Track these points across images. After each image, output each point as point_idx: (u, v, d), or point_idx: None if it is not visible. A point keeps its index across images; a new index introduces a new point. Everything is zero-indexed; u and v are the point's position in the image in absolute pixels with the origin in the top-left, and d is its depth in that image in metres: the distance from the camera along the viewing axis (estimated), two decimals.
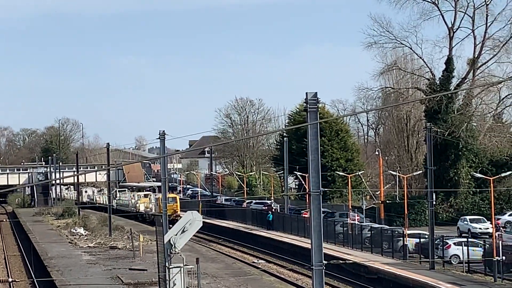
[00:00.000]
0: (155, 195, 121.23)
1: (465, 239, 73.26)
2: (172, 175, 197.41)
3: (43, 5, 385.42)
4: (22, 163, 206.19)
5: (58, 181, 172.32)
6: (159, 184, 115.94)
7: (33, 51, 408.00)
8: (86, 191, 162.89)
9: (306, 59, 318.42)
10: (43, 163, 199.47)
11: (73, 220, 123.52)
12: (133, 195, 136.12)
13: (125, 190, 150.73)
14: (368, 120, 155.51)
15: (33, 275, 74.07)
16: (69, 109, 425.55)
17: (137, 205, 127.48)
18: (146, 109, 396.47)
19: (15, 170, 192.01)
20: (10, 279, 72.41)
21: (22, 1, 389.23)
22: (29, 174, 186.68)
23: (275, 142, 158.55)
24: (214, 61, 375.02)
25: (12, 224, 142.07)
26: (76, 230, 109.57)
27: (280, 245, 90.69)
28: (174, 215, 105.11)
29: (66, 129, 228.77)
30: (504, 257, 60.30)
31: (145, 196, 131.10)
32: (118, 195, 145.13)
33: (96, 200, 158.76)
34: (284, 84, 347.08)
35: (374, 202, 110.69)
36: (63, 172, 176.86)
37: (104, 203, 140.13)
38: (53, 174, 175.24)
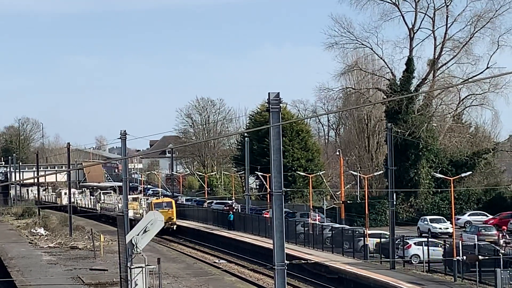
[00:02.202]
0: (146, 199, 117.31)
1: (425, 239, 73.58)
2: (133, 175, 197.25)
3: None
4: None
5: (18, 181, 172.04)
6: (120, 184, 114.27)
7: None
8: (65, 193, 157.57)
9: (267, 59, 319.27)
10: (3, 163, 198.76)
11: (33, 220, 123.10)
12: (121, 198, 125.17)
13: (110, 193, 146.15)
14: (328, 121, 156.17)
15: None
16: (29, 109, 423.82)
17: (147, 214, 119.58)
18: (107, 109, 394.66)
19: None
20: None
21: None
22: None
23: (236, 142, 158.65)
24: (174, 61, 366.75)
25: None
26: (36, 230, 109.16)
27: (241, 245, 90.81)
28: (169, 222, 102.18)
29: (26, 128, 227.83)
30: (464, 257, 60.89)
31: (134, 199, 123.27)
32: (102, 197, 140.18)
33: (77, 202, 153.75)
34: (244, 84, 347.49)
35: (335, 202, 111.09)
36: (23, 172, 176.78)
37: (87, 205, 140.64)
38: (13, 174, 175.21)
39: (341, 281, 65.96)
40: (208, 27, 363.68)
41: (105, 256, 74.57)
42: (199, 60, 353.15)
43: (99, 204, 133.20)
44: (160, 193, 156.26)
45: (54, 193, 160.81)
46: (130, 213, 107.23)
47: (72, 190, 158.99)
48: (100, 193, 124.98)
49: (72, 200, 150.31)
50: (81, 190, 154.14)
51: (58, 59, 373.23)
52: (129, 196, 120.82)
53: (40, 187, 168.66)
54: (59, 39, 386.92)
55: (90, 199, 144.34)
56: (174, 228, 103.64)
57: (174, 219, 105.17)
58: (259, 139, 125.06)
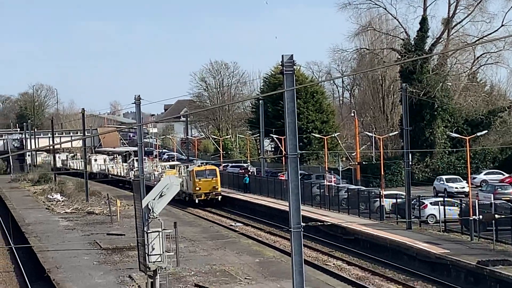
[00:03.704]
0: (186, 166, 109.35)
1: (441, 199, 73.38)
2: (148, 140, 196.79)
3: None
4: None
5: (34, 149, 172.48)
6: (135, 148, 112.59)
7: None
8: (96, 160, 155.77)
9: (280, 21, 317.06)
10: (18, 129, 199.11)
11: (50, 186, 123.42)
12: (157, 166, 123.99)
13: (145, 160, 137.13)
14: (343, 82, 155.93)
15: (11, 242, 74.15)
16: (43, 76, 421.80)
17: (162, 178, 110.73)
18: (121, 75, 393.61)
19: None
20: None
21: None
22: (4, 141, 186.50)
23: (250, 105, 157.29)
24: (187, 25, 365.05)
25: None
26: (52, 196, 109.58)
27: (257, 208, 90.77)
28: (214, 193, 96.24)
29: (41, 95, 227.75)
30: (480, 216, 60.88)
31: (172, 167, 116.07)
32: (136, 165, 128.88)
33: (108, 169, 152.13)
34: (258, 47, 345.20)
35: (350, 163, 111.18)
36: (38, 138, 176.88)
37: (119, 173, 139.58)
38: (28, 141, 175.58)
39: (358, 242, 66.01)
40: None
41: (122, 221, 74.95)
42: (212, 23, 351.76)
43: (133, 172, 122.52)
44: (175, 157, 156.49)
45: (82, 160, 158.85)
46: (177, 183, 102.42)
47: (103, 156, 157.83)
48: (133, 159, 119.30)
49: (103, 167, 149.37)
50: (112, 157, 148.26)
51: (72, 25, 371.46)
52: (166, 164, 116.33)
53: (68, 153, 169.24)
54: (73, 5, 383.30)
55: (123, 166, 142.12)
56: (219, 199, 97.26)
57: (219, 189, 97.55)
58: (273, 102, 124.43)
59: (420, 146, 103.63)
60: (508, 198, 76.23)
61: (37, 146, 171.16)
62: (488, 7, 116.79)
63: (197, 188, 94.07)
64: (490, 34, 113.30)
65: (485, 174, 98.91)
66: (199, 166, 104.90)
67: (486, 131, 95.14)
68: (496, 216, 58.74)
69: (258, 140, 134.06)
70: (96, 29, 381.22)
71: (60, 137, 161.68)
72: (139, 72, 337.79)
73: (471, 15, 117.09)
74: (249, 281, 49.37)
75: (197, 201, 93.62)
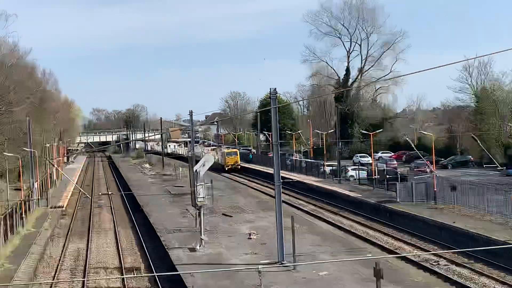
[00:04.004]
0: (221, 149, 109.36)
1: (357, 167, 74.32)
2: (196, 134, 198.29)
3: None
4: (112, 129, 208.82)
5: (133, 140, 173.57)
6: (189, 139, 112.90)
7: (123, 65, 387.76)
8: (169, 145, 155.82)
9: (268, 69, 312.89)
10: (125, 129, 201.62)
11: (142, 160, 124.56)
12: (204, 150, 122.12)
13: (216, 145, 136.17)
14: (303, 102, 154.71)
15: (121, 190, 74.90)
16: (138, 98, 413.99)
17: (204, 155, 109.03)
18: (181, 97, 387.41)
19: (111, 133, 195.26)
20: (110, 193, 73.20)
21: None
22: (118, 135, 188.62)
23: (252, 116, 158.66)
24: (217, 72, 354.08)
25: (109, 163, 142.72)
26: (144, 166, 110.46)
27: (257, 172, 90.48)
28: (236, 164, 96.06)
29: (137, 109, 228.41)
30: (378, 176, 61.43)
31: (213, 150, 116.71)
32: (200, 149, 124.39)
33: (175, 151, 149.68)
34: (256, 83, 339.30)
35: (307, 148, 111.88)
36: (136, 134, 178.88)
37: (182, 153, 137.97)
38: (131, 135, 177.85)
39: (311, 190, 66.28)
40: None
41: (183, 180, 75.30)
42: (231, 70, 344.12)
43: (190, 152, 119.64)
44: (211, 144, 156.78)
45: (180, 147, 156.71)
46: (213, 159, 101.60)
47: (173, 144, 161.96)
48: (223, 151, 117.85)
49: (173, 150, 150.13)
50: (178, 144, 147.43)
51: (154, 71, 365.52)
52: (209, 148, 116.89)
53: (154, 142, 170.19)
54: (153, 57, 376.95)
55: (184, 149, 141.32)
56: (239, 167, 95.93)
57: (239, 162, 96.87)
58: (265, 113, 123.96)
59: (345, 138, 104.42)
60: (394, 167, 77.07)
61: (135, 138, 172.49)
62: (383, 62, 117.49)
63: (227, 162, 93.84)
64: (383, 76, 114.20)
65: (380, 153, 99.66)
66: (228, 149, 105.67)
67: (381, 129, 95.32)
68: (387, 176, 59.26)
69: (256, 135, 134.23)
70: (166, 74, 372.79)
71: (149, 133, 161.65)
72: (192, 95, 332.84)
73: (373, 66, 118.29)
74: (252, 212, 49.89)
75: (226, 169, 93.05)
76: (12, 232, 41.69)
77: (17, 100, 71.20)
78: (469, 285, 28.14)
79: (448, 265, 32.47)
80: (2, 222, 38.38)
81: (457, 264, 32.41)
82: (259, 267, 22.65)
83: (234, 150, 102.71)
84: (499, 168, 79.96)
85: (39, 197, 59.53)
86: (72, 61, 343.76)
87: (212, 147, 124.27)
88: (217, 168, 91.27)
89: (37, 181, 61.58)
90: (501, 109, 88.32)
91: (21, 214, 46.53)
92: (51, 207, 57.96)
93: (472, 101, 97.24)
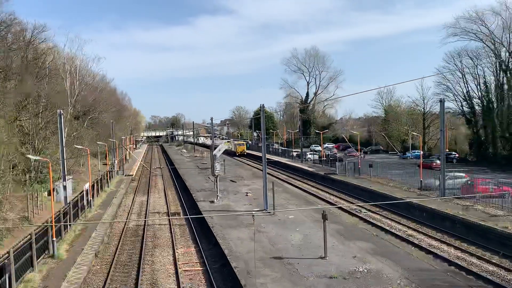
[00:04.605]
0: (234, 141, 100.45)
1: (312, 152, 73.91)
2: (215, 132, 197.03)
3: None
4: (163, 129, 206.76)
5: (176, 135, 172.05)
6: (210, 135, 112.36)
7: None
8: (200, 139, 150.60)
9: (262, 93, 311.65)
10: (171, 128, 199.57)
11: (181, 147, 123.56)
12: (221, 142, 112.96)
13: (227, 139, 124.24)
14: (280, 114, 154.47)
15: (168, 165, 74.35)
16: (178, 109, 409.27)
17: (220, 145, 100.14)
18: (205, 109, 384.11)
19: (162, 130, 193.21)
20: (161, 166, 72.79)
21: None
22: (167, 131, 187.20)
23: (249, 121, 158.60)
24: (226, 96, 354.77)
25: (161, 148, 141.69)
26: (182, 150, 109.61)
27: (251, 155, 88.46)
28: (243, 151, 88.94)
29: (178, 116, 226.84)
30: (325, 158, 61.18)
31: (228, 142, 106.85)
32: (219, 141, 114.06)
33: (203, 142, 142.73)
34: (251, 100, 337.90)
35: (282, 140, 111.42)
36: (178, 131, 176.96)
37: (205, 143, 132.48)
38: (175, 131, 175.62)
39: (284, 166, 65.68)
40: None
41: (206, 159, 75.03)
42: (237, 93, 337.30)
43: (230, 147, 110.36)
44: (223, 138, 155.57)
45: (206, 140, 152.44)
46: (226, 147, 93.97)
47: (202, 137, 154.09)
48: (234, 142, 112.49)
49: (202, 141, 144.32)
50: (228, 140, 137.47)
51: (190, 93, 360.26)
52: (225, 140, 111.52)
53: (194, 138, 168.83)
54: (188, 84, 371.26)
55: (208, 141, 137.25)
56: (245, 153, 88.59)
57: (245, 150, 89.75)
58: (257, 119, 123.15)
59: (306, 134, 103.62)
60: (334, 152, 76.59)
61: (177, 134, 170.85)
62: (329, 88, 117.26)
63: (237, 149, 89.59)
64: (329, 98, 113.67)
65: (327, 144, 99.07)
66: (238, 141, 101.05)
67: (327, 130, 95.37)
68: (331, 158, 59.09)
69: (251, 132, 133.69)
70: (198, 94, 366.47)
71: (184, 131, 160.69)
72: (213, 108, 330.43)
73: (323, 91, 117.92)
74: (249, 179, 49.64)
75: (237, 154, 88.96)
76: (101, 190, 41.61)
77: (105, 110, 71.30)
78: (379, 224, 28.29)
79: (366, 212, 32.61)
80: (95, 184, 38.27)
81: (372, 212, 32.53)
82: (253, 213, 22.67)
83: (242, 142, 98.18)
84: (398, 154, 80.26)
85: (118, 169, 59.30)
86: (140, 85, 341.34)
87: (227, 140, 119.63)
88: (230, 153, 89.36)
89: (117, 159, 61.30)
90: (399, 118, 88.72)
91: (107, 179, 46.40)
92: (125, 175, 57.76)
93: (383, 113, 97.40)
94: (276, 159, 72.70)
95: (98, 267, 21.13)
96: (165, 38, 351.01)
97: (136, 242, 25.86)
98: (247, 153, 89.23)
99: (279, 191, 38.90)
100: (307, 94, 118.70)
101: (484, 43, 62.78)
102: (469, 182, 33.30)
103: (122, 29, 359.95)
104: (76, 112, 59.44)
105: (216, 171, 36.01)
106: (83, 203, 31.29)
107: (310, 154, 71.56)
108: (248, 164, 72.13)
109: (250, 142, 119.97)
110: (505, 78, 61.34)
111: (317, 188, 44.82)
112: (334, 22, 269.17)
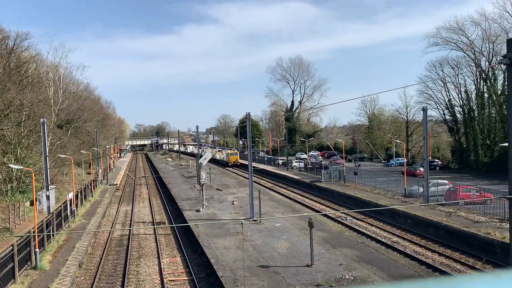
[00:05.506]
0: (226, 150, 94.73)
1: (298, 160, 73.98)
2: (200, 140, 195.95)
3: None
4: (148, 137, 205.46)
5: (161, 144, 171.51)
6: (195, 143, 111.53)
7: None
8: (189, 147, 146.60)
9: (247, 101, 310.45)
10: (156, 136, 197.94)
11: (166, 156, 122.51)
12: (214, 150, 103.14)
13: (218, 149, 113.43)
14: (265, 122, 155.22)
15: (153, 174, 73.70)
16: (163, 118, 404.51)
17: (216, 155, 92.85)
18: (190, 119, 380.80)
19: (147, 139, 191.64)
20: (145, 175, 72.09)
21: None
22: (151, 140, 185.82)
23: (235, 129, 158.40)
24: (214, 104, 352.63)
25: (145, 157, 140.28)
26: (167, 159, 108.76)
27: (237, 164, 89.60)
28: (236, 161, 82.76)
29: (163, 125, 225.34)
30: (310, 165, 61.43)
31: (219, 151, 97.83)
32: (212, 150, 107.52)
33: (188, 150, 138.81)
34: (236, 109, 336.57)
35: (268, 148, 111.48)
36: (163, 139, 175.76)
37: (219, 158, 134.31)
38: (159, 140, 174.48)
39: (270, 174, 65.79)
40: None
41: (192, 167, 74.67)
42: (222, 102, 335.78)
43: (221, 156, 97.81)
44: (207, 147, 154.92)
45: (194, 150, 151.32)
46: (218, 156, 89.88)
47: (189, 146, 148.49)
48: (227, 152, 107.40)
49: (187, 149, 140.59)
50: (219, 149, 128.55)
51: (175, 101, 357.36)
52: (217, 149, 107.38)
53: (173, 145, 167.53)
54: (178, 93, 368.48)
55: (193, 149, 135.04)
56: (239, 164, 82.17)
57: (238, 160, 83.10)
58: (243, 127, 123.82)
59: (291, 142, 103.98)
60: (320, 161, 76.95)
61: (162, 142, 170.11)
62: (314, 96, 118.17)
63: (230, 159, 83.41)
64: (313, 106, 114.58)
65: (312, 152, 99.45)
66: (231, 150, 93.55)
67: (312, 138, 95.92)
68: (316, 166, 59.30)
69: (237, 140, 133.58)
70: (182, 102, 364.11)
71: (170, 139, 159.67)
72: (198, 116, 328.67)
73: (308, 100, 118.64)
74: (234, 187, 49.51)
75: (230, 165, 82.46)
76: (85, 199, 41.01)
77: (89, 119, 70.50)
78: (364, 232, 28.45)
79: (352, 219, 32.79)
80: (79, 193, 37.70)
81: (358, 219, 32.74)
82: (242, 220, 22.58)
83: (235, 151, 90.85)
84: (382, 162, 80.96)
85: (102, 179, 58.58)
86: (125, 94, 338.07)
87: (218, 149, 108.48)
88: (223, 163, 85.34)
89: (101, 168, 60.58)
90: (383, 126, 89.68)
91: (91, 189, 45.78)
92: (109, 184, 57.06)
93: (366, 121, 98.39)
94: (262, 167, 72.34)
95: (82, 278, 20.77)
96: (150, 47, 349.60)
97: (121, 252, 25.51)
98: (239, 163, 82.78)
99: (265, 199, 38.83)
100: (292, 102, 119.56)
101: (465, 53, 64.21)
102: (452, 189, 33.79)
103: (106, 38, 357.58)
104: (60, 120, 58.64)
105: (202, 180, 35.84)
106: (67, 213, 30.78)
107: (295, 162, 71.42)
108: (234, 173, 71.49)
109: (235, 150, 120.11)
110: (485, 87, 62.70)
111: (303, 196, 44.84)
112: (318, 32, 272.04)
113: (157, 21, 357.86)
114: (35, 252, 20.97)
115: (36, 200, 32.32)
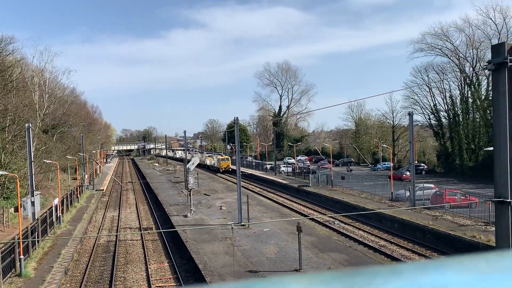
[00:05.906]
0: (216, 156, 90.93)
1: (286, 164, 74.16)
2: (188, 145, 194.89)
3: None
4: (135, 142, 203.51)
5: (148, 149, 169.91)
6: (183, 148, 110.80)
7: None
8: (178, 153, 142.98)
9: (235, 106, 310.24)
10: (142, 141, 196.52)
11: (154, 161, 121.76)
12: (203, 156, 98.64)
13: (212, 156, 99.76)
14: (253, 127, 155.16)
15: (140, 179, 73.15)
16: (151, 123, 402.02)
17: (206, 161, 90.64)
18: (177, 123, 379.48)
19: (133, 144, 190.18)
20: (132, 181, 71.50)
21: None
22: (138, 145, 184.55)
23: (222, 134, 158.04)
24: (205, 110, 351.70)
25: (132, 162, 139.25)
26: (154, 164, 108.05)
27: (224, 169, 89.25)
28: (228, 167, 79.96)
29: (150, 130, 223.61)
30: (298, 170, 61.56)
31: (209, 156, 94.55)
32: (202, 155, 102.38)
33: (176, 155, 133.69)
34: (224, 114, 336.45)
35: (256, 153, 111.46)
36: (150, 144, 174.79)
37: (210, 163, 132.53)
38: (146, 145, 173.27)
39: (258, 179, 65.70)
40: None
41: (179, 172, 74.21)
42: (213, 107, 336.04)
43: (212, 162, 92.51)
44: (197, 152, 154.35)
45: (184, 155, 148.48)
46: (208, 162, 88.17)
47: (177, 151, 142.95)
48: (203, 153, 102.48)
49: (174, 155, 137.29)
50: (210, 155, 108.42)
51: (162, 105, 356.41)
52: (207, 154, 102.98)
53: (161, 150, 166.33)
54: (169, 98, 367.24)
55: (181, 154, 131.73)
56: (230, 170, 78.71)
57: (230, 165, 79.90)
58: (231, 132, 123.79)
59: (279, 147, 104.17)
60: (307, 165, 77.23)
61: (149, 147, 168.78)
62: (301, 101, 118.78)
63: (221, 165, 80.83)
64: (301, 111, 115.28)
65: (300, 157, 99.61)
66: (221, 156, 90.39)
67: (300, 142, 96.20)
68: (304, 170, 59.48)
69: (225, 145, 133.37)
70: (170, 107, 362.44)
71: (157, 144, 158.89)
72: (186, 120, 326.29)
73: (296, 105, 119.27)
74: (223, 192, 49.42)
75: (221, 171, 79.61)
76: (71, 205, 40.49)
77: (75, 123, 69.79)
78: (352, 236, 28.58)
79: (340, 224, 32.92)
80: (65, 199, 37.21)
81: (345, 223, 32.88)
82: (232, 225, 22.53)
83: (227, 156, 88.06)
84: (369, 166, 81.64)
85: (88, 184, 57.93)
86: (111, 98, 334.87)
87: (209, 155, 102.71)
88: (213, 169, 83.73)
89: (87, 173, 59.92)
90: (369, 131, 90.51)
91: (77, 194, 45.23)
92: (95, 190, 56.46)
93: (353, 126, 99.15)
94: (250, 172, 72.12)
95: (68, 285, 20.48)
96: (137, 51, 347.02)
97: (107, 259, 25.22)
98: (231, 169, 79.73)
99: (253, 204, 38.74)
100: (280, 107, 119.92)
101: (450, 58, 65.21)
102: (438, 192, 34.18)
103: (92, 42, 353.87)
104: (45, 125, 57.91)
105: (190, 185, 35.66)
106: (52, 219, 30.34)
107: (283, 166, 71.52)
108: (222, 177, 71.33)
109: (227, 155, 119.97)
110: (469, 92, 63.70)
111: (291, 201, 44.88)
112: (306, 37, 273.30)
113: (145, 25, 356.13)
114: (20, 259, 20.63)
115: (20, 206, 31.79)
